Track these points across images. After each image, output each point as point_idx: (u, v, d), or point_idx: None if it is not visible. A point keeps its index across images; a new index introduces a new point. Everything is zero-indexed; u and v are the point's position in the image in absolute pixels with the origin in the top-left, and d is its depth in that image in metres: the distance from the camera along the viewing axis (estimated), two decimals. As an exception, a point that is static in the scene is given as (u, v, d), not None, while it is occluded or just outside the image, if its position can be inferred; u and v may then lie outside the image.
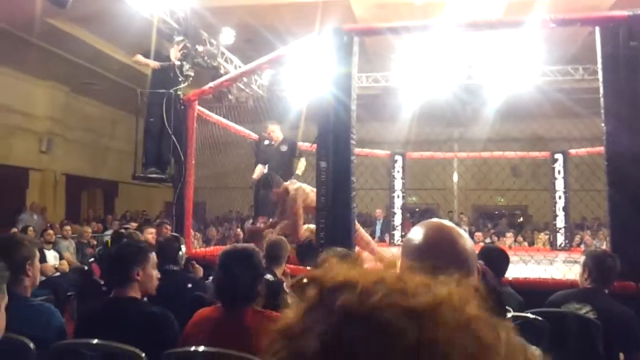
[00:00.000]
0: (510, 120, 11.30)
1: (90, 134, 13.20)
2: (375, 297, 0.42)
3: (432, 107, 10.31)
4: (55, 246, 7.62)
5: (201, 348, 2.06)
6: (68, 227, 8.44)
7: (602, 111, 3.79)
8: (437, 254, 1.10)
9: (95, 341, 2.15)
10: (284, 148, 6.68)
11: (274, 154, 6.68)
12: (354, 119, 3.73)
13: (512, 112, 10.13)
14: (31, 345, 2.02)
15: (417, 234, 1.18)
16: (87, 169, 13.15)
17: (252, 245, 2.59)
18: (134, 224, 9.61)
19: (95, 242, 8.74)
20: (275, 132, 6.83)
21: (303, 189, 5.06)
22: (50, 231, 7.81)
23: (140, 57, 6.24)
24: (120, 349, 2.04)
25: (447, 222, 1.24)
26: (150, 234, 5.70)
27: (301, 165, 6.43)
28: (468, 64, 9.07)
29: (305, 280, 0.47)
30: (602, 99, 3.80)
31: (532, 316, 2.71)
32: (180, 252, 3.68)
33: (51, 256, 7.42)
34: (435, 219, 1.27)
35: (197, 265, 4.24)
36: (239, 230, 10.34)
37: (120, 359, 2.06)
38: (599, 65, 3.83)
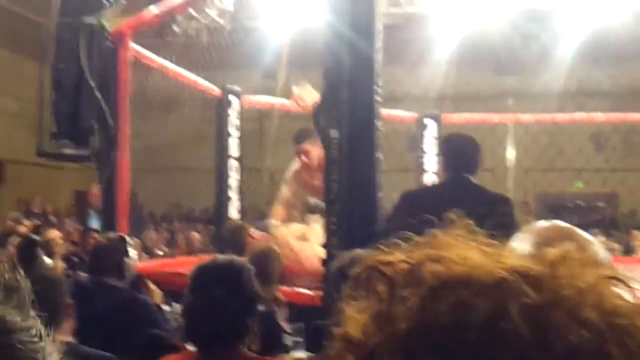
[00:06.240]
0: (596, 64, 11.32)
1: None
2: (464, 265, 0.51)
3: (478, 45, 10.29)
4: None
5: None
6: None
7: None
8: None
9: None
10: None
11: None
12: (379, 65, 3.69)
13: (598, 53, 10.15)
14: None
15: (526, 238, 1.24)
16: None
17: (239, 258, 2.60)
18: (27, 223, 9.46)
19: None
20: None
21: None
22: None
23: None
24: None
25: (563, 224, 1.30)
26: (57, 237, 5.93)
27: None
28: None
29: (363, 270, 0.55)
30: None
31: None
32: (127, 260, 3.64)
33: None
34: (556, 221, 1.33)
35: (152, 285, 4.21)
36: (194, 233, 10.29)
37: None
38: None
